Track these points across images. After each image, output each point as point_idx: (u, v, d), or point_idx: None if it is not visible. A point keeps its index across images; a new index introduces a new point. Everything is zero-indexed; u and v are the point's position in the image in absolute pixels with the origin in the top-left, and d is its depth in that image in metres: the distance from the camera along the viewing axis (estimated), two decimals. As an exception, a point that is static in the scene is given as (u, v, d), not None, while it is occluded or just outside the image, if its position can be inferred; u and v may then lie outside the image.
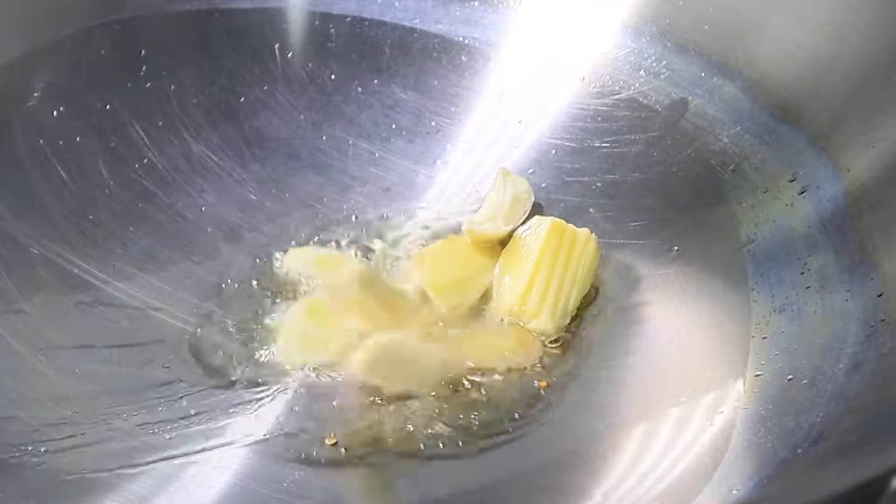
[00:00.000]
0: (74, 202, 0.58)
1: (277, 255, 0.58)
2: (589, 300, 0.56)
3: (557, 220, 0.56)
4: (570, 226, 0.56)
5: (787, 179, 0.56)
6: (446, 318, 0.55)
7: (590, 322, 0.55)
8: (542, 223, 0.56)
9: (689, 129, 0.61)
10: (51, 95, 0.59)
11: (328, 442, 0.49)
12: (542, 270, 0.54)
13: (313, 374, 0.52)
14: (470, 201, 0.62)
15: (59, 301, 0.54)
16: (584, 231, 0.56)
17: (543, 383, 0.51)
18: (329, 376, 0.52)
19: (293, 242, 0.59)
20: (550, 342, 0.53)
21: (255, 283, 0.57)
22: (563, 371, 0.52)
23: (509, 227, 0.58)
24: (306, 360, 0.52)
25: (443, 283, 0.56)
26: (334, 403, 0.50)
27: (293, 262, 0.58)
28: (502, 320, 0.54)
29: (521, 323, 0.54)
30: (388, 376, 0.50)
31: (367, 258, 0.59)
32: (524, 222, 0.58)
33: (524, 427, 0.50)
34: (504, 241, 0.58)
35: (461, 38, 0.67)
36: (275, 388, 0.51)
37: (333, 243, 0.59)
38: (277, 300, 0.56)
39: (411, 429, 0.49)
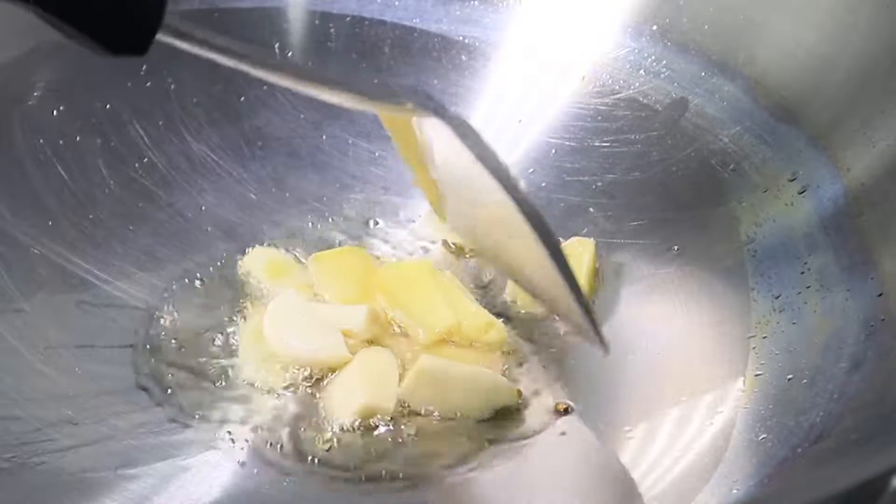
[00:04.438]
0: (74, 202, 0.58)
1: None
2: (589, 300, 0.56)
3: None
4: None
5: (787, 179, 0.56)
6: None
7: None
8: None
9: (689, 128, 0.61)
10: (51, 95, 0.59)
11: (330, 443, 0.49)
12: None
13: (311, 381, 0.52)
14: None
15: (59, 301, 0.54)
16: None
17: (562, 406, 0.51)
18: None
19: (291, 243, 0.59)
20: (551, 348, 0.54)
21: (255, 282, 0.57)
22: (563, 372, 0.52)
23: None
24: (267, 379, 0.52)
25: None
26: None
27: (250, 263, 0.57)
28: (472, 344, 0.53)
29: (474, 343, 0.53)
30: (433, 400, 0.50)
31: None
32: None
33: (524, 428, 0.50)
34: None
35: (461, 38, 0.67)
36: (276, 389, 0.51)
37: (334, 243, 0.60)
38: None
39: (412, 430, 0.49)
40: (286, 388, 0.51)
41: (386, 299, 0.54)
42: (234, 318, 0.54)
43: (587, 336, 0.47)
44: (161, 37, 0.37)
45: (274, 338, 0.52)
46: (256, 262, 0.57)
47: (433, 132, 0.47)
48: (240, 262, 0.57)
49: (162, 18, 0.37)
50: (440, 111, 0.45)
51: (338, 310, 0.54)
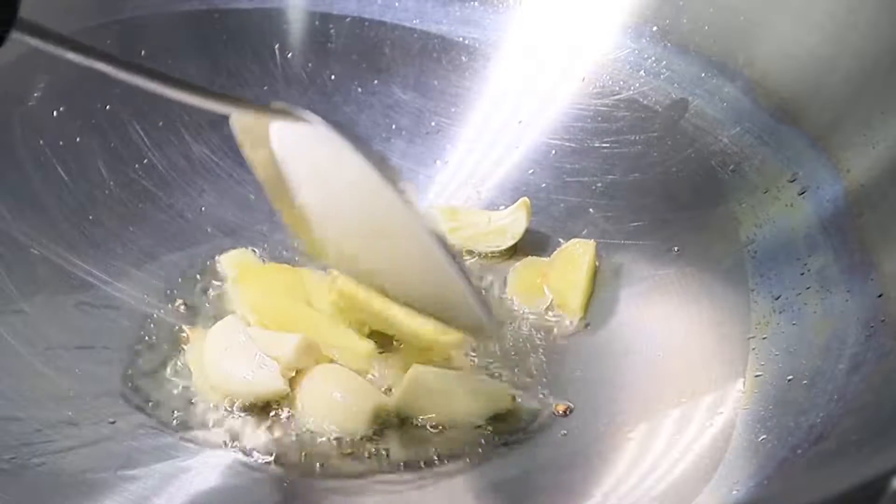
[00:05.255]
0: (74, 202, 0.58)
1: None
2: (589, 300, 0.56)
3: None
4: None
5: (787, 180, 0.56)
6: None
7: (589, 322, 0.55)
8: None
9: (689, 129, 0.61)
10: (51, 95, 0.59)
11: (329, 446, 0.49)
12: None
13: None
14: (470, 202, 0.62)
15: (58, 302, 0.54)
16: None
17: (562, 407, 0.51)
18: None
19: (291, 245, 0.59)
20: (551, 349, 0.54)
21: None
22: (563, 372, 0.53)
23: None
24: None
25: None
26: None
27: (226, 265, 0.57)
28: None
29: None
30: (428, 408, 0.49)
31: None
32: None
33: (524, 428, 0.50)
34: None
35: (461, 38, 0.67)
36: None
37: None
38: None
39: (412, 433, 0.49)
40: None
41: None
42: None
43: (478, 331, 0.46)
44: (18, 35, 0.37)
45: (213, 368, 0.50)
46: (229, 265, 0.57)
47: (298, 135, 0.45)
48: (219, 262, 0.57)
49: (17, 14, 0.36)
50: (306, 114, 0.43)
51: (272, 337, 0.51)
